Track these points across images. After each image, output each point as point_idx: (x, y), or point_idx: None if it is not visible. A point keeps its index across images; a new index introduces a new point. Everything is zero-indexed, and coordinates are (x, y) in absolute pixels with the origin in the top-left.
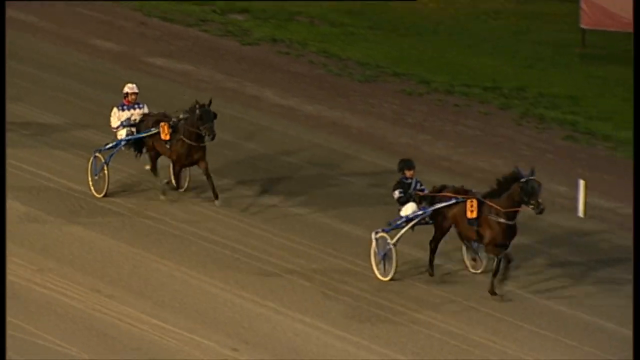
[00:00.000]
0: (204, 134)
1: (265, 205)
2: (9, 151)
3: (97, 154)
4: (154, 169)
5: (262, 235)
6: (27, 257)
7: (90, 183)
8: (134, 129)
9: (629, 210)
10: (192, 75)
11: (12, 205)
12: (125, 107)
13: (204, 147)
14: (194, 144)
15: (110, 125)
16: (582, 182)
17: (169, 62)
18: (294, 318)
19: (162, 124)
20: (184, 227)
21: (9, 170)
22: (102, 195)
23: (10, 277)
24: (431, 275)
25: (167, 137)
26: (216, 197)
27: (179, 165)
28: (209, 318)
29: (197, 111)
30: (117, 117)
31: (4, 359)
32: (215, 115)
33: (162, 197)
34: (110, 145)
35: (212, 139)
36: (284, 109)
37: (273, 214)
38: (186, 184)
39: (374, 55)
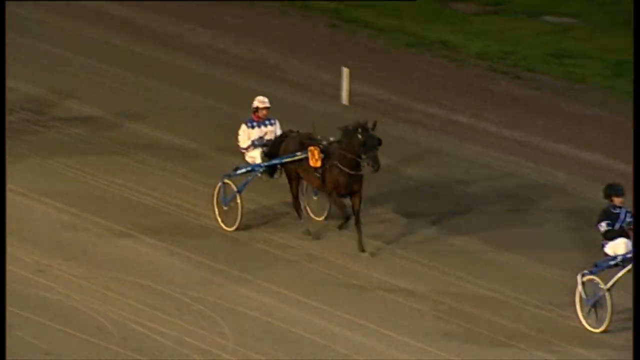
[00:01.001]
0: (366, 164)
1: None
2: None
3: (226, 180)
4: (297, 202)
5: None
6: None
7: (218, 214)
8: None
9: (389, 96)
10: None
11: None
12: (255, 124)
13: (362, 176)
14: (351, 172)
15: (238, 145)
16: (345, 70)
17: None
18: None
19: (311, 148)
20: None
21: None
22: (233, 228)
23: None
24: None
25: (318, 164)
26: (362, 249)
27: (338, 195)
28: None
29: (359, 135)
30: (246, 135)
31: (4, 359)
32: (380, 142)
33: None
34: (243, 169)
35: (376, 170)
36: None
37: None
38: (325, 214)
39: None
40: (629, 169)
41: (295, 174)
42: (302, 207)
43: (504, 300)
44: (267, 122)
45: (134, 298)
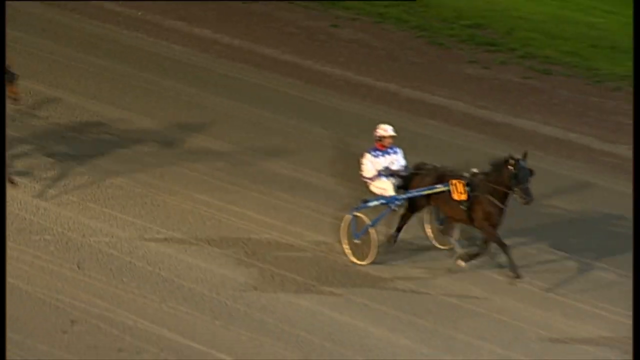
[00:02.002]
0: (519, 197)
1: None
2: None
3: (357, 214)
4: (397, 234)
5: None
6: None
7: (347, 248)
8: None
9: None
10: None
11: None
12: (379, 153)
13: (505, 210)
14: (501, 205)
15: (361, 175)
16: None
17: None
18: None
19: (454, 181)
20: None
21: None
22: (367, 263)
23: None
24: None
25: (463, 197)
26: (517, 275)
27: (493, 228)
28: None
29: (511, 167)
30: (372, 165)
31: (4, 359)
32: (532, 173)
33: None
34: (376, 202)
35: (528, 203)
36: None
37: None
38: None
39: None
40: None
41: (422, 207)
42: (427, 234)
43: None
44: (390, 151)
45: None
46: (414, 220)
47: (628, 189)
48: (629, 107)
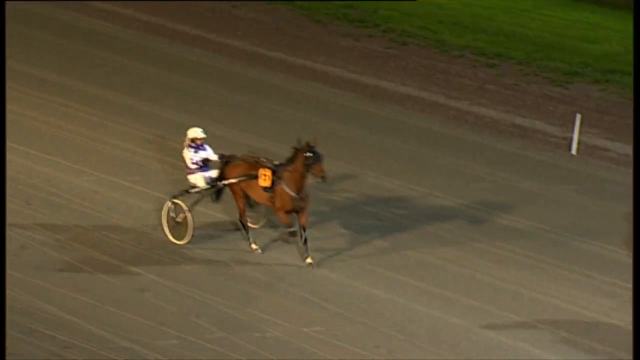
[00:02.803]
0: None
1: None
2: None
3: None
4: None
5: None
6: None
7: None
8: None
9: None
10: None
11: None
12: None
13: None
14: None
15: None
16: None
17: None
18: None
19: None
20: None
21: None
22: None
23: None
24: None
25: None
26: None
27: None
28: None
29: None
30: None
31: (4, 359)
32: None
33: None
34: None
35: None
36: None
37: None
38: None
39: None
40: None
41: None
42: None
43: None
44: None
45: None
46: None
47: (465, 135)
48: (471, 70)
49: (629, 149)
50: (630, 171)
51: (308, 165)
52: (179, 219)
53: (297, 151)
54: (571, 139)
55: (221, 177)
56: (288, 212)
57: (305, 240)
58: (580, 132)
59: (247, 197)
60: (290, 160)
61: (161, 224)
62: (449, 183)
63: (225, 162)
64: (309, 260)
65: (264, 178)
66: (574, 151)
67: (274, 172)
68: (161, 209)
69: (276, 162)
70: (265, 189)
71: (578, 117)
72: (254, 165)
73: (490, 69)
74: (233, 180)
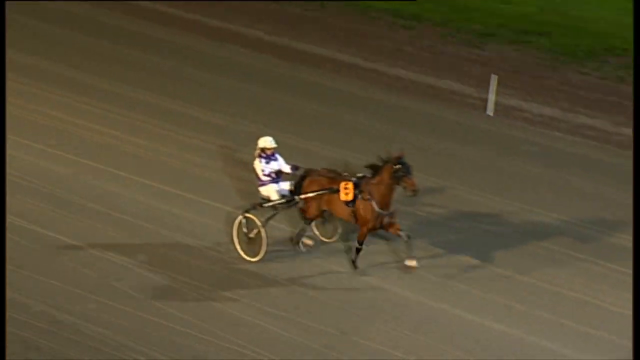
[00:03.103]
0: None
1: None
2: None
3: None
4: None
5: None
6: None
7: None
8: None
9: None
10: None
11: None
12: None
13: None
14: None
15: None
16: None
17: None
18: None
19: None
20: None
21: None
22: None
23: None
24: None
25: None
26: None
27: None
28: None
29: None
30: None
31: (4, 359)
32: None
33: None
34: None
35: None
36: None
37: None
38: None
39: None
40: None
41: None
42: None
43: None
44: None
45: None
46: None
47: (382, 97)
48: (388, 33)
49: (543, 109)
50: (545, 131)
51: (397, 178)
52: (251, 235)
53: (384, 163)
54: (487, 100)
55: (298, 190)
56: (371, 229)
57: (409, 237)
58: (496, 93)
59: (322, 212)
60: (376, 173)
61: (232, 240)
62: (369, 147)
63: (302, 176)
64: (412, 263)
65: (346, 192)
66: (490, 112)
67: (356, 186)
68: (232, 224)
69: (359, 174)
70: (347, 203)
71: (494, 78)
72: (335, 178)
73: (407, 31)
74: (311, 195)
